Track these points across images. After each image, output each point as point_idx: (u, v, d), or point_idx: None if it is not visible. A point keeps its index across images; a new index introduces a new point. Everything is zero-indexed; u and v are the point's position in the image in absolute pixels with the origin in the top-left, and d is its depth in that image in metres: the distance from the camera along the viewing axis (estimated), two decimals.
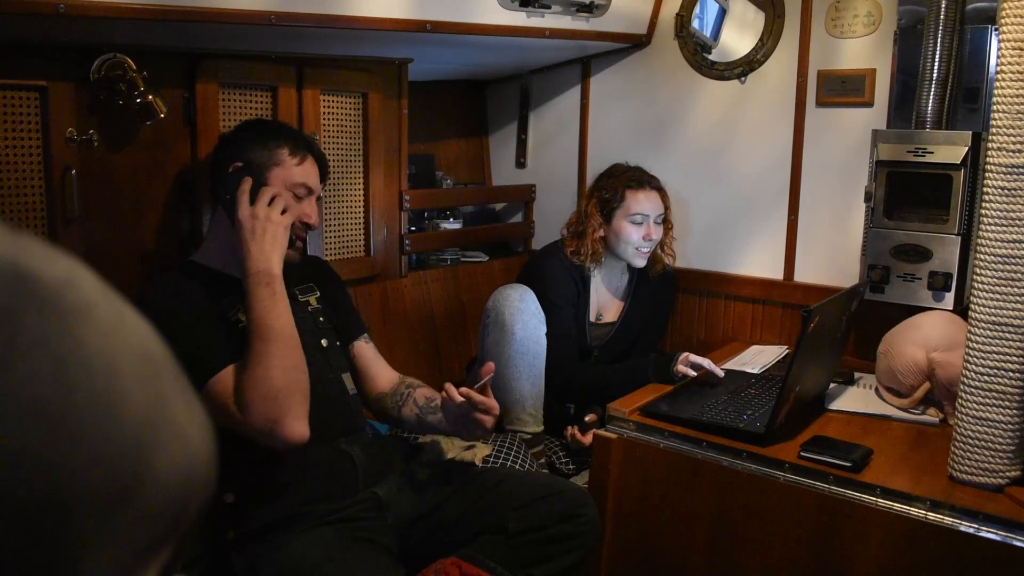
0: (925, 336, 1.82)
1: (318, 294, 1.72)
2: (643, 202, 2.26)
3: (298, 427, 1.42)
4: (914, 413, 1.83)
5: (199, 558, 1.62)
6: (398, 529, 1.60)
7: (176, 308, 1.47)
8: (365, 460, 1.61)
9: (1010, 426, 1.42)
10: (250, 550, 1.48)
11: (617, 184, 2.29)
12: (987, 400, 1.43)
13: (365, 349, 1.79)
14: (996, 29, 1.84)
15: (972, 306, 1.44)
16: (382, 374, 1.79)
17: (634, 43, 2.60)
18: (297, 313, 1.54)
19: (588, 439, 2.06)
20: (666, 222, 2.34)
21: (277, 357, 1.42)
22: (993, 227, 1.40)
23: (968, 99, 2.00)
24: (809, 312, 1.59)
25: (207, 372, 1.42)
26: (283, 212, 1.53)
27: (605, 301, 2.40)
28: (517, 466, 1.96)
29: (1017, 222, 1.38)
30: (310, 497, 1.52)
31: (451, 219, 2.70)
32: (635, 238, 2.27)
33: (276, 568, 1.44)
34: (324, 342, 1.65)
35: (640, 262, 2.31)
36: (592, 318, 2.36)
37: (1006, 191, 1.39)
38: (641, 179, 2.30)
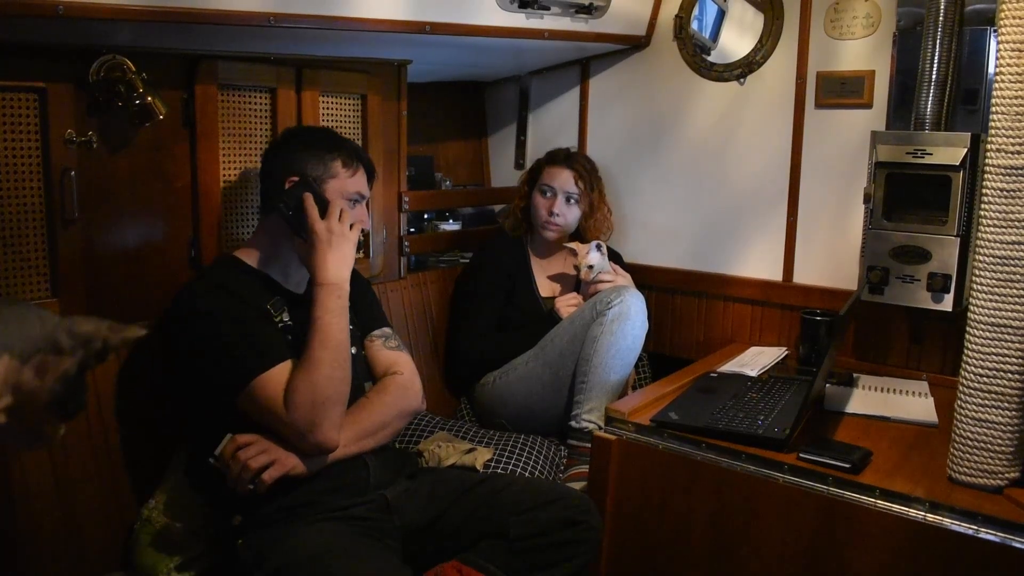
0: None
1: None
2: (553, 176, 2.39)
3: (333, 434, 1.50)
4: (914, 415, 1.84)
5: (204, 552, 1.63)
6: (403, 533, 1.61)
7: (229, 306, 1.54)
8: (377, 463, 1.63)
9: (1009, 427, 1.42)
10: (257, 538, 1.49)
11: (542, 159, 2.45)
12: (986, 401, 1.43)
13: (370, 348, 1.77)
14: (995, 31, 1.84)
15: (971, 307, 1.44)
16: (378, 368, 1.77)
17: (633, 44, 2.60)
18: None
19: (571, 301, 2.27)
20: (581, 204, 2.39)
21: (331, 366, 1.49)
22: (992, 228, 1.40)
23: (967, 100, 2.00)
24: (842, 318, 1.59)
25: (257, 369, 1.48)
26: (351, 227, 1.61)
27: (557, 279, 2.44)
28: (520, 469, 1.96)
29: (1016, 223, 1.38)
30: (319, 489, 1.54)
31: (450, 220, 2.70)
32: (542, 210, 2.38)
33: (283, 557, 1.45)
34: (353, 350, 1.66)
35: (549, 235, 2.39)
36: (544, 293, 2.41)
37: (1005, 192, 1.39)
38: (560, 156, 2.43)
